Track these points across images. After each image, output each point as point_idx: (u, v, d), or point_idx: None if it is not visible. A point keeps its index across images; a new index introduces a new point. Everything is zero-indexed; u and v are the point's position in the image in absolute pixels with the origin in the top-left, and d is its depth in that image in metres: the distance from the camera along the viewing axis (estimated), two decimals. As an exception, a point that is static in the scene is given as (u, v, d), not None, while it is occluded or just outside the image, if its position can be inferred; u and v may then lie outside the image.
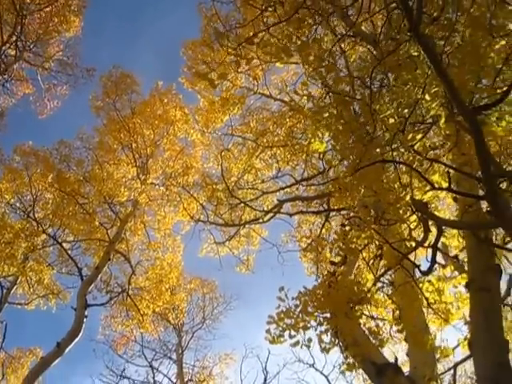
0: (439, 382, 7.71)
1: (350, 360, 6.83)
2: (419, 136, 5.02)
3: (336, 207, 10.07)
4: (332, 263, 7.50)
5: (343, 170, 5.65)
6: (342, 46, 8.32)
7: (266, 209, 12.63)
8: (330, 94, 5.44)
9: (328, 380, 18.77)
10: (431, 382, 6.42)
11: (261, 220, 12.65)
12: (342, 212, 9.60)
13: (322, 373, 18.97)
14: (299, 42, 5.86)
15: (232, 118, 13.49)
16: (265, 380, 21.15)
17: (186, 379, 22.81)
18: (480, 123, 4.37)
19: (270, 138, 12.52)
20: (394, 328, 7.04)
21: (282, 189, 12.67)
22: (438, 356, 7.59)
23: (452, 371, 7.87)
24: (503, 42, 5.38)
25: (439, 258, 7.91)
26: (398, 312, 6.95)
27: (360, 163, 4.85)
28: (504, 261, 7.72)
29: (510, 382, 4.75)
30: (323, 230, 11.07)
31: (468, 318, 5.91)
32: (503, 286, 7.89)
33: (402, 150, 5.10)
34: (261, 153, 12.55)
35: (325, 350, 6.64)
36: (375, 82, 5.92)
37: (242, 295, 24.91)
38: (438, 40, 5.63)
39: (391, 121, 5.02)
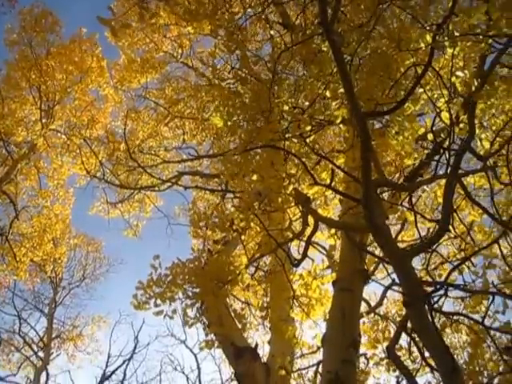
0: (301, 376, 7.93)
1: (211, 338, 6.88)
2: (308, 128, 5.06)
3: (234, 189, 10.10)
4: (214, 242, 7.51)
5: (232, 149, 5.64)
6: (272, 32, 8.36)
7: (164, 178, 12.48)
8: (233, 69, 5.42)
9: (196, 358, 19.06)
10: (281, 370, 6.58)
11: (157, 188, 12.49)
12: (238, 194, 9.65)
13: (191, 350, 19.25)
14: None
15: (149, 82, 13.21)
16: (134, 348, 21.15)
17: (54, 335, 22.33)
18: (369, 129, 4.47)
19: (183, 109, 12.36)
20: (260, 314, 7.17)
21: (184, 161, 12.60)
22: (299, 349, 7.81)
23: (315, 368, 8.14)
24: (412, 60, 5.55)
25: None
26: (265, 299, 7.09)
27: (250, 145, 4.85)
28: (384, 272, 7.99)
29: (349, 377, 4.96)
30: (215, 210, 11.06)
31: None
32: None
33: (295, 140, 5.14)
34: (170, 121, 12.36)
35: (187, 324, 6.65)
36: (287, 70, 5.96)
37: (125, 260, 24.75)
38: (354, 42, 5.72)
39: (285, 108, 5.05)
